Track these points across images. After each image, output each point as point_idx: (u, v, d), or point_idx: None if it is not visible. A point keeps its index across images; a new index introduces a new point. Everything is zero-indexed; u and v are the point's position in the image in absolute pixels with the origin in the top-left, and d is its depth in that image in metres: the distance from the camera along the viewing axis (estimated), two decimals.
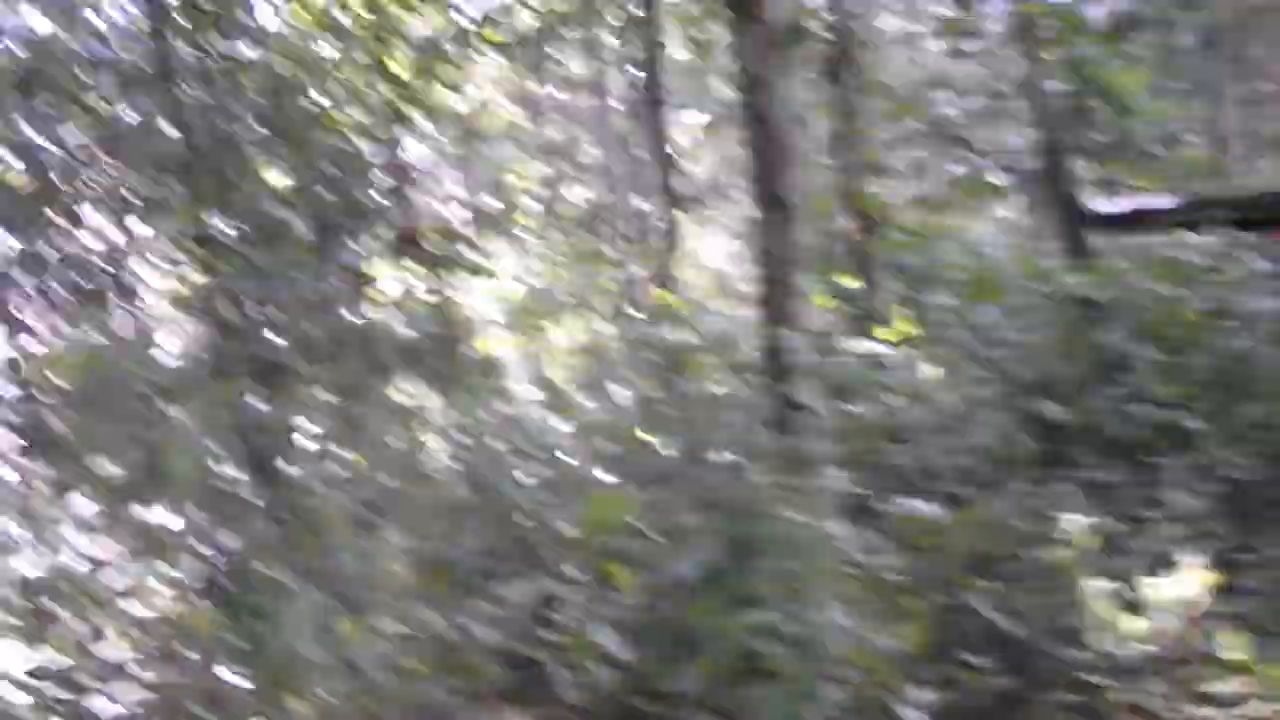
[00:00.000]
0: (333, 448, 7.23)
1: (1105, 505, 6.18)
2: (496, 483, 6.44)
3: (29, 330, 11.54)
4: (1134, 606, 5.45)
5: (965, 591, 5.41)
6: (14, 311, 11.71)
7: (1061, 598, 5.48)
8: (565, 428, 8.14)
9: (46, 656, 5.08)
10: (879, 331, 7.40)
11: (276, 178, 9.56)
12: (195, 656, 4.85)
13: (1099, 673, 5.13)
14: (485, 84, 14.99)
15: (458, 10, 10.94)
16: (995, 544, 5.76)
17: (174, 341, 10.39)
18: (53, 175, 11.37)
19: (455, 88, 11.82)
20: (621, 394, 8.81)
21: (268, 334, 8.25)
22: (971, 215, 12.61)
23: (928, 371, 7.06)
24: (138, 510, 6.10)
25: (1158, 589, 5.44)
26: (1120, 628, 5.26)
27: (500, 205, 14.87)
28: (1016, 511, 6.02)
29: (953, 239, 10.71)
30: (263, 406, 7.53)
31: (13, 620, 5.45)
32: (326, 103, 10.41)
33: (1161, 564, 5.68)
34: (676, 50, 14.56)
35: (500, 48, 13.52)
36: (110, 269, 11.66)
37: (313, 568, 4.73)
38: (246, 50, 9.49)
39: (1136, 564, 5.69)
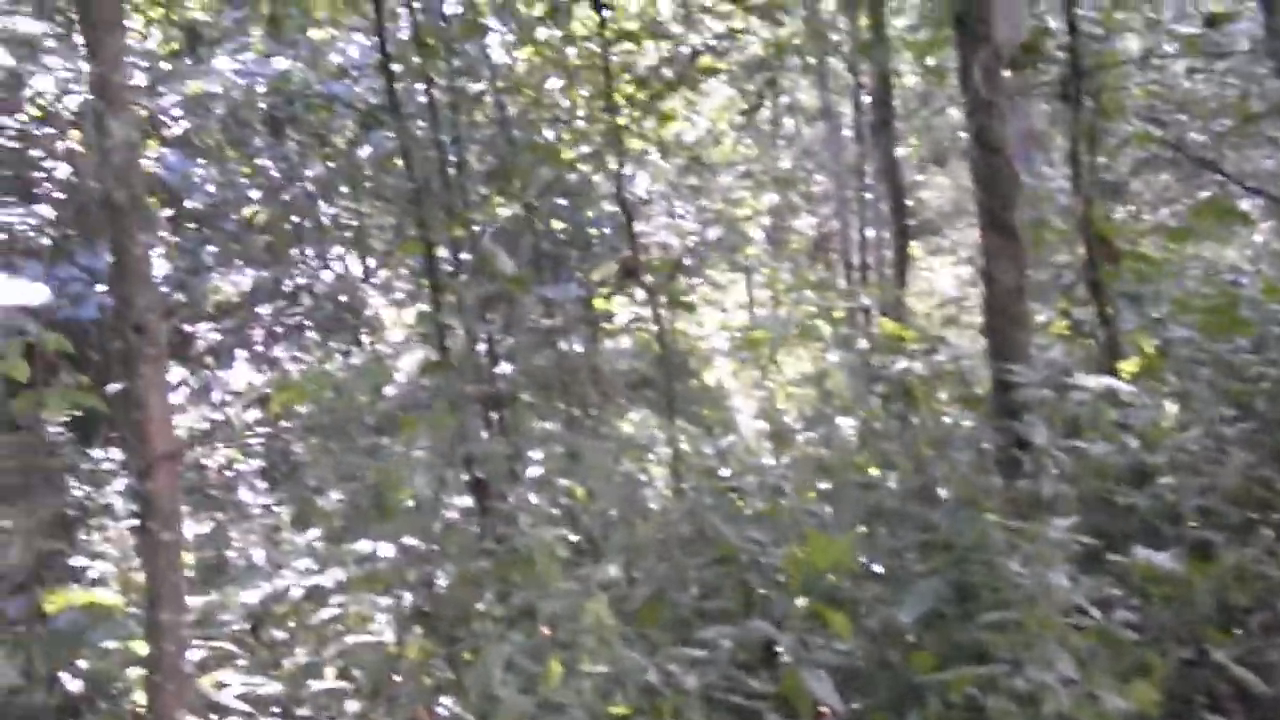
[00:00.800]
0: (554, 479, 7.24)
1: None
2: (714, 518, 6.32)
3: (273, 361, 11.97)
4: None
5: (1209, 645, 5.05)
6: (260, 343, 12.18)
7: None
8: (787, 461, 7.99)
9: (264, 684, 5.17)
10: (1117, 365, 7.02)
11: (505, 210, 9.70)
12: (407, 689, 4.87)
13: None
14: (714, 113, 14.97)
15: (685, 41, 10.93)
16: (1244, 593, 5.38)
17: (405, 371, 10.64)
18: (294, 213, 11.82)
19: (682, 118, 11.82)
20: (847, 426, 8.62)
21: (495, 364, 8.34)
22: (1219, 242, 12.00)
23: (1169, 408, 6.66)
24: (360, 540, 6.21)
25: None
26: None
27: (728, 235, 14.82)
28: (1268, 558, 5.62)
29: (1198, 267, 10.18)
30: (487, 436, 7.60)
31: (235, 648, 5.59)
32: (553, 135, 10.53)
33: None
34: (908, 76, 14.30)
35: (729, 77, 13.49)
36: (347, 300, 12.04)
37: (522, 603, 4.70)
38: (475, 85, 9.66)
39: None
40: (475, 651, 4.78)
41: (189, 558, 5.86)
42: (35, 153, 10.56)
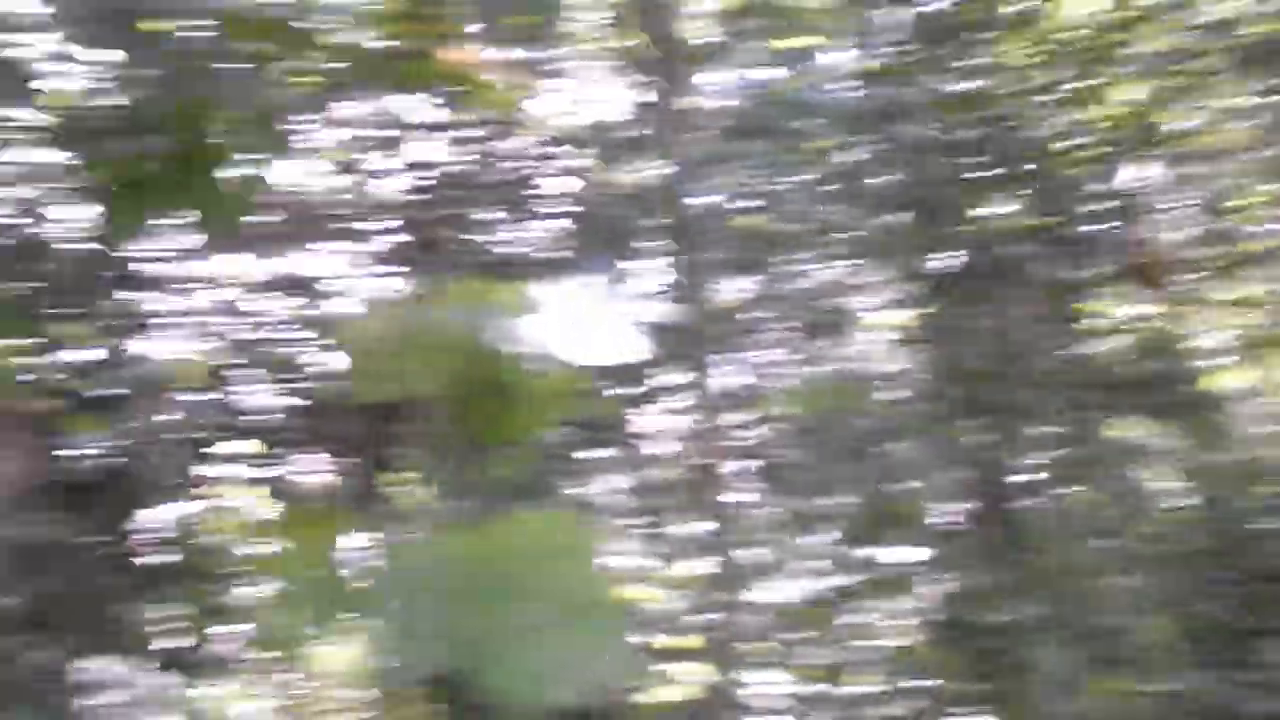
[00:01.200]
0: (1059, 488, 7.01)
1: None
2: (1241, 529, 5.93)
3: (765, 366, 12.24)
4: None
5: None
6: (752, 347, 12.47)
7: None
8: None
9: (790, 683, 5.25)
10: None
11: (997, 212, 9.48)
12: (934, 697, 4.82)
13: None
14: (1218, 99, 14.09)
15: (1193, 26, 10.32)
16: None
17: (896, 378, 10.60)
18: (785, 220, 12.02)
19: (1188, 108, 11.21)
20: None
21: (991, 370, 8.18)
22: None
23: None
24: (869, 545, 6.21)
25: None
26: None
27: (1236, 228, 13.89)
28: None
29: None
30: (988, 444, 7.45)
31: (764, 646, 5.69)
32: (1048, 132, 10.21)
33: None
34: None
35: (1234, 59, 12.64)
36: (835, 305, 12.12)
37: (1054, 615, 4.55)
38: (966, 84, 9.52)
39: None
40: (1006, 661, 4.68)
41: (697, 557, 6.02)
42: (543, 173, 11.21)
